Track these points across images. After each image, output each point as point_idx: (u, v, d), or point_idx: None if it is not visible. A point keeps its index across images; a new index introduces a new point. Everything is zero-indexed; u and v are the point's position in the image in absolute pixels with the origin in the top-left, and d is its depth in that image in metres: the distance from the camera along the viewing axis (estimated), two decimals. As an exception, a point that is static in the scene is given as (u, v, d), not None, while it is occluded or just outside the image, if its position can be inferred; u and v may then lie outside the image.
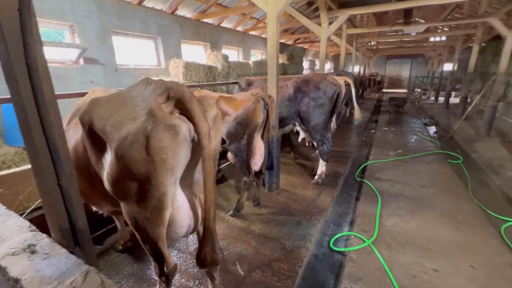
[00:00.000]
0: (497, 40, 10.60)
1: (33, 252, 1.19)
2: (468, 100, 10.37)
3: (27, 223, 1.45)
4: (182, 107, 1.18)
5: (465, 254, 2.52)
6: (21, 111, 1.16)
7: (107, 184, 1.31)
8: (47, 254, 1.18)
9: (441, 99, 14.17)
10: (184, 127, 1.16)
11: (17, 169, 2.77)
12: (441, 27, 13.32)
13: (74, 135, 1.58)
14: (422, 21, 13.51)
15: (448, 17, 9.79)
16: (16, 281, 1.03)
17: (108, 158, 1.25)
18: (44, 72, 1.15)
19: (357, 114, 4.63)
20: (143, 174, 1.17)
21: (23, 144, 4.01)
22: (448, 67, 17.46)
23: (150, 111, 1.10)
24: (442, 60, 15.43)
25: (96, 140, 1.28)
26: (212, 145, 1.35)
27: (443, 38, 13.96)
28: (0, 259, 1.16)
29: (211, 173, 1.26)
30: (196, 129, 1.17)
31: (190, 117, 1.18)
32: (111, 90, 2.15)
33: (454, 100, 13.91)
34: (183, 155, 1.22)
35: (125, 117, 1.16)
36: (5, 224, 1.44)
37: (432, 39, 14.43)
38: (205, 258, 1.40)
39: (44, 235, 1.33)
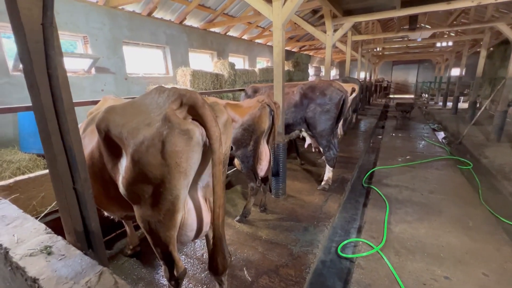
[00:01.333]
0: (506, 44, 10.50)
1: (49, 254, 1.24)
2: (477, 105, 10.22)
3: (43, 225, 1.51)
4: (195, 113, 1.23)
5: (477, 262, 2.47)
6: (41, 118, 1.23)
7: (122, 188, 1.35)
8: (63, 255, 1.23)
9: (449, 104, 14.00)
10: (197, 132, 1.21)
11: (31, 175, 2.85)
12: (447, 33, 13.27)
13: (90, 142, 1.64)
14: (428, 26, 13.51)
15: (454, 22, 9.77)
16: (34, 280, 1.08)
17: (124, 163, 1.30)
18: (63, 82, 1.23)
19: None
20: (158, 177, 1.21)
21: (37, 151, 4.16)
22: (455, 72, 17.31)
23: (165, 117, 1.16)
24: (450, 65, 15.29)
25: (112, 146, 1.34)
26: (223, 149, 1.40)
27: (450, 43, 13.88)
28: (19, 259, 1.21)
29: (220, 178, 1.30)
30: (208, 134, 1.22)
31: (202, 122, 1.22)
32: (122, 98, 2.23)
33: (463, 105, 13.72)
34: (195, 159, 1.26)
35: (140, 123, 1.22)
36: (22, 226, 1.50)
37: (438, 44, 14.35)
38: (217, 266, 1.47)
39: (60, 237, 1.38)
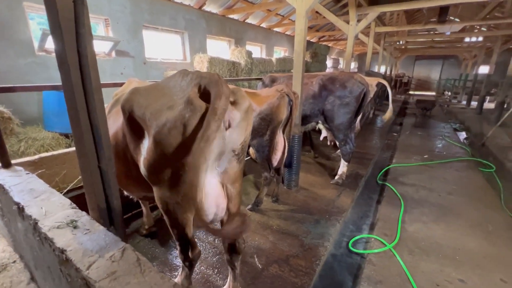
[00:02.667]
0: (543, 42, 9.75)
1: (75, 227, 1.30)
2: (505, 105, 9.66)
3: (68, 201, 1.58)
4: (207, 92, 1.20)
5: (495, 267, 2.39)
6: (71, 97, 1.26)
7: (143, 169, 1.38)
8: (88, 230, 1.28)
9: (474, 103, 13.31)
10: None
11: (54, 153, 2.97)
12: (478, 27, 12.46)
13: (114, 123, 1.68)
14: (457, 20, 12.73)
15: (488, 16, 9.14)
16: (62, 251, 1.13)
17: (146, 144, 1.32)
18: (92, 61, 1.24)
19: (388, 114, 4.47)
20: (178, 160, 1.22)
21: (60, 130, 4.30)
22: (483, 69, 16.36)
23: (188, 99, 1.15)
24: (478, 62, 14.46)
25: (135, 127, 1.36)
26: (242, 136, 1.39)
27: (480, 38, 13.05)
28: (47, 231, 1.27)
29: (198, 156, 1.17)
30: (210, 108, 1.15)
31: (210, 98, 1.17)
32: (147, 81, 2.25)
33: (488, 105, 13.01)
34: (215, 144, 1.26)
35: (164, 105, 1.23)
36: (49, 200, 1.57)
37: (467, 39, 13.53)
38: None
39: (84, 213, 1.44)
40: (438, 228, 2.99)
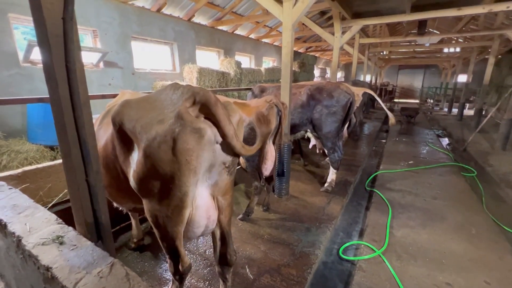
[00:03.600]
0: (514, 52, 10.40)
1: (61, 243, 1.27)
2: (483, 112, 10.15)
3: (54, 216, 1.54)
4: (208, 111, 1.25)
5: (479, 269, 2.47)
6: (58, 111, 1.25)
7: (132, 182, 1.38)
8: (75, 245, 1.25)
9: (455, 110, 13.91)
10: (209, 131, 1.23)
11: (39, 166, 2.89)
12: (455, 39, 13.17)
13: (104, 134, 1.67)
14: (436, 32, 13.42)
15: (463, 28, 9.70)
16: (48, 269, 1.11)
17: (136, 157, 1.33)
18: (81, 75, 1.25)
19: (392, 120, 4.63)
20: (168, 173, 1.23)
21: (44, 142, 4.19)
22: (462, 78, 17.17)
23: (178, 114, 1.17)
24: (456, 71, 15.20)
25: (125, 139, 1.36)
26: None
27: (458, 49, 13.78)
28: (32, 248, 1.24)
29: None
30: (223, 132, 1.24)
31: (215, 121, 1.24)
32: (139, 93, 2.26)
33: (468, 112, 13.62)
34: (205, 157, 1.28)
35: (154, 119, 1.24)
36: (34, 216, 1.53)
37: (446, 50, 14.25)
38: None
39: (71, 228, 1.41)
40: (424, 233, 3.07)
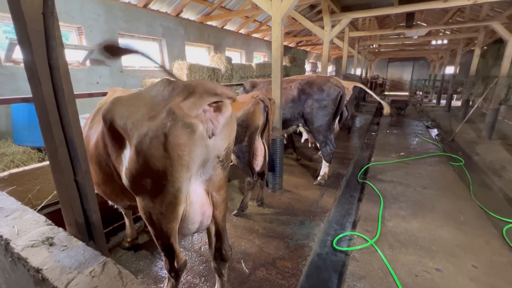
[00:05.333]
0: (499, 43, 10.65)
1: (51, 245, 1.25)
2: (470, 103, 10.39)
3: (43, 217, 1.51)
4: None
5: (467, 254, 2.56)
6: (42, 110, 1.22)
7: (125, 179, 1.36)
8: (65, 246, 1.24)
9: (443, 102, 14.20)
10: (201, 126, 1.22)
11: (26, 168, 2.82)
12: (443, 31, 13.38)
13: (96, 132, 1.65)
14: (424, 24, 13.59)
15: (450, 20, 9.85)
16: (38, 270, 1.09)
17: (127, 154, 1.31)
18: (65, 73, 1.22)
19: (386, 109, 4.64)
20: (160, 169, 1.22)
21: (31, 144, 4.08)
22: (450, 70, 17.51)
23: (169, 109, 1.16)
24: (444, 63, 15.47)
25: (116, 137, 1.34)
26: (225, 143, 1.41)
27: (445, 41, 14.01)
28: (20, 250, 1.21)
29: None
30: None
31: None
32: (131, 89, 2.22)
33: (456, 103, 13.93)
34: (198, 153, 1.27)
35: (145, 115, 1.22)
36: (22, 218, 1.50)
37: (434, 42, 14.46)
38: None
39: (61, 229, 1.39)
40: (415, 221, 3.15)
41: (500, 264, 2.42)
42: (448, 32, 12.93)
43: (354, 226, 3.19)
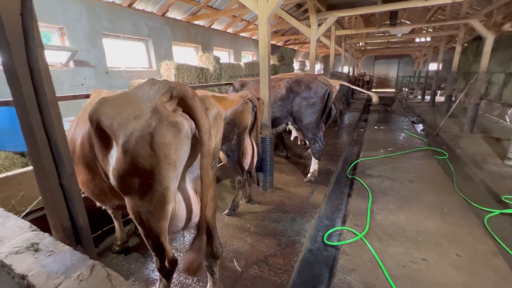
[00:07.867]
0: (478, 40, 11.05)
1: (37, 250, 1.22)
2: (453, 98, 10.75)
3: (28, 223, 1.47)
4: (185, 105, 1.24)
5: (451, 244, 2.66)
6: (23, 113, 1.19)
7: (112, 179, 1.35)
8: (51, 251, 1.21)
9: (427, 97, 14.62)
10: (186, 125, 1.23)
11: (9, 174, 2.73)
12: (425, 28, 13.77)
13: (81, 133, 1.62)
14: (407, 22, 13.93)
15: (432, 18, 10.15)
16: (23, 277, 1.06)
17: (114, 154, 1.30)
18: (45, 75, 1.19)
19: (375, 98, 4.72)
20: (148, 168, 1.22)
21: (13, 149, 3.94)
22: (433, 66, 18.00)
23: (154, 109, 1.16)
24: (428, 60, 15.91)
25: (103, 137, 1.33)
26: (212, 142, 1.41)
27: (428, 38, 14.42)
28: (4, 257, 1.18)
29: (209, 169, 1.32)
30: (198, 126, 1.24)
31: (192, 115, 1.24)
32: (116, 91, 2.19)
33: (440, 98, 14.37)
34: (184, 151, 1.27)
35: (131, 115, 1.22)
36: (5, 225, 1.46)
37: (417, 39, 14.87)
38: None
39: (46, 234, 1.36)
40: (402, 214, 3.25)
41: (482, 251, 2.53)
42: (431, 30, 13.32)
43: (344, 221, 3.25)
